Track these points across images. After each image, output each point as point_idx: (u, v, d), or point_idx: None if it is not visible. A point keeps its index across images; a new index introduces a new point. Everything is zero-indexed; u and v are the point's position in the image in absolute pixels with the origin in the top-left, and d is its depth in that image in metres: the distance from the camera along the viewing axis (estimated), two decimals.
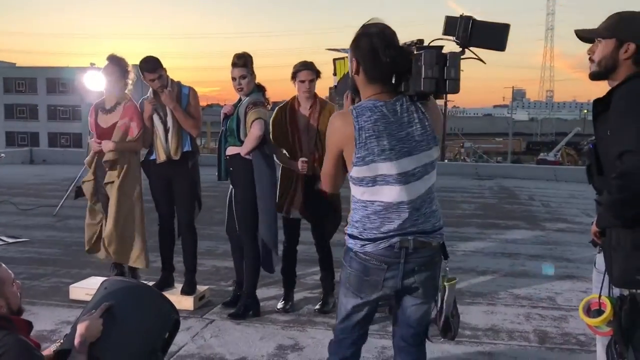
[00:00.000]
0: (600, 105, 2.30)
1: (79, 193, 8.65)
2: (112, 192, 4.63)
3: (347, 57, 4.33)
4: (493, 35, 2.24)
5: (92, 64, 49.08)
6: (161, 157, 4.57)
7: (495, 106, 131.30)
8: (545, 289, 5.34)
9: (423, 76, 2.16)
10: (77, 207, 8.72)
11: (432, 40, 2.25)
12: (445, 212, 9.47)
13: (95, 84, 7.49)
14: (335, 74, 5.52)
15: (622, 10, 2.39)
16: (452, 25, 2.24)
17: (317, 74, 4.45)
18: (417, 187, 2.31)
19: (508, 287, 5.39)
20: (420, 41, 2.24)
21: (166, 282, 4.81)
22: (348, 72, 2.55)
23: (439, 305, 2.46)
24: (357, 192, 2.36)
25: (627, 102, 2.18)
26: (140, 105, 4.68)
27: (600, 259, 2.41)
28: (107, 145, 4.56)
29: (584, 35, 2.43)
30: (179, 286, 4.79)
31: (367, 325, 2.61)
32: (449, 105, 59.42)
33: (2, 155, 12.47)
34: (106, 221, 4.71)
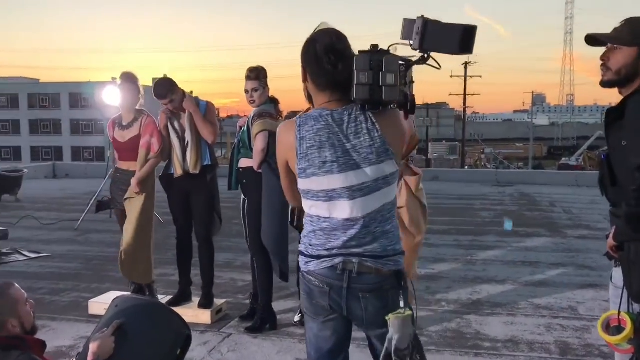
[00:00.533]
0: (613, 114, 2.25)
1: (99, 207, 8.74)
2: (132, 208, 4.68)
3: None
4: (448, 38, 2.04)
5: (113, 79, 49.74)
6: (178, 171, 4.61)
7: (515, 111, 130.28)
8: (567, 299, 5.25)
9: (355, 82, 2.00)
10: (98, 221, 8.83)
11: (390, 45, 2.09)
12: (465, 220, 9.42)
13: (113, 99, 7.59)
14: None
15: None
16: (410, 28, 2.08)
17: None
18: (366, 204, 2.10)
19: (528, 296, 5.31)
20: (375, 46, 2.06)
21: (184, 295, 4.82)
22: None
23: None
24: (306, 206, 2.21)
25: None
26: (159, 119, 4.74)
27: (617, 273, 2.35)
28: (134, 186, 4.63)
29: (602, 40, 2.33)
30: (196, 300, 4.80)
31: (344, 354, 2.33)
32: (468, 112, 59.16)
33: (25, 170, 12.68)
34: (123, 236, 4.77)
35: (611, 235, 2.27)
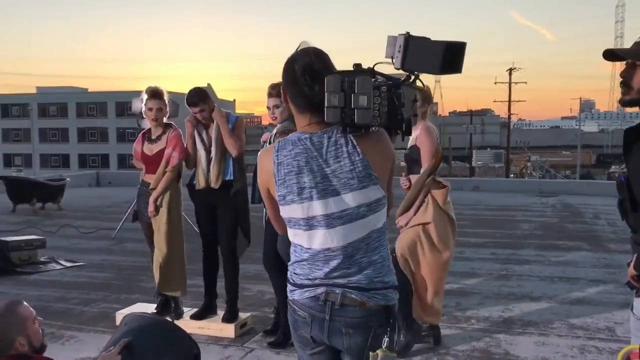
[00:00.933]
0: (634, 134, 2.11)
1: (136, 216, 8.86)
2: (159, 222, 4.71)
3: None
4: (430, 57, 1.88)
5: None
6: (200, 183, 4.63)
7: (563, 118, 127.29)
8: (605, 319, 5.02)
9: (326, 105, 1.88)
10: (135, 230, 8.90)
11: (375, 64, 1.97)
12: (503, 233, 9.14)
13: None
14: None
15: None
16: (393, 46, 1.95)
17: None
18: (349, 232, 1.97)
19: (563, 315, 5.11)
20: (357, 65, 1.94)
21: (209, 308, 4.82)
22: None
23: None
24: (290, 234, 2.09)
25: None
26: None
27: (638, 304, 2.21)
28: (150, 205, 4.69)
29: (621, 55, 2.16)
30: (221, 313, 4.78)
31: None
32: (514, 118, 58.08)
33: (68, 179, 13.01)
34: (152, 250, 4.84)
35: (632, 264, 2.13)
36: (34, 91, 63.18)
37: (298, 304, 2.06)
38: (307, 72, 1.96)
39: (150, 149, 4.82)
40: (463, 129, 57.05)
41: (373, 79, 1.91)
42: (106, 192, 15.56)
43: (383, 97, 1.88)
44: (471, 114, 64.31)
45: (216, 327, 4.67)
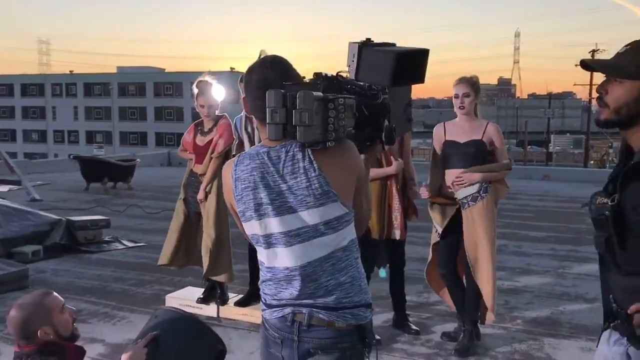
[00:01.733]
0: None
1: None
2: (209, 208, 4.84)
3: None
4: (381, 67, 1.74)
5: (232, 68, 52.26)
6: None
7: None
8: None
9: (267, 121, 1.78)
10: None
11: (337, 73, 1.85)
12: (567, 227, 8.75)
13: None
14: None
15: None
16: (351, 54, 1.83)
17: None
18: (307, 251, 1.89)
19: None
20: (318, 74, 1.84)
21: (253, 296, 4.93)
22: None
23: None
24: (258, 252, 2.03)
25: None
26: (235, 122, 4.84)
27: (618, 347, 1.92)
28: (200, 193, 4.85)
29: (597, 69, 1.87)
30: None
31: None
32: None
33: (138, 160, 13.53)
34: (198, 236, 4.99)
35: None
36: (114, 71, 65.77)
37: (269, 323, 2.04)
38: (261, 86, 1.88)
39: (202, 140, 4.94)
40: (541, 113, 55.05)
41: (341, 90, 1.81)
42: (175, 172, 16.03)
43: (340, 110, 1.77)
44: (550, 97, 62.01)
45: (258, 314, 4.68)
